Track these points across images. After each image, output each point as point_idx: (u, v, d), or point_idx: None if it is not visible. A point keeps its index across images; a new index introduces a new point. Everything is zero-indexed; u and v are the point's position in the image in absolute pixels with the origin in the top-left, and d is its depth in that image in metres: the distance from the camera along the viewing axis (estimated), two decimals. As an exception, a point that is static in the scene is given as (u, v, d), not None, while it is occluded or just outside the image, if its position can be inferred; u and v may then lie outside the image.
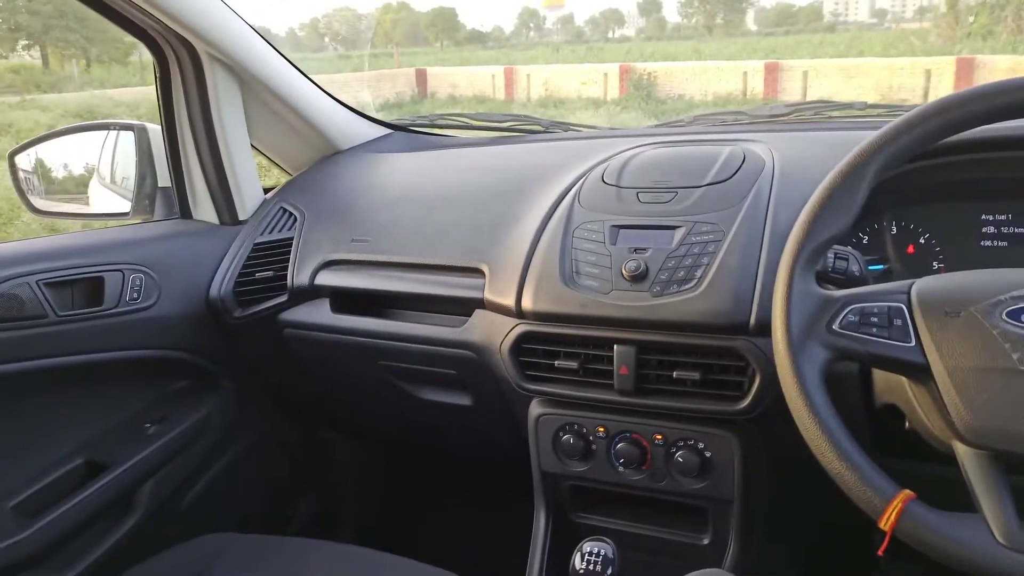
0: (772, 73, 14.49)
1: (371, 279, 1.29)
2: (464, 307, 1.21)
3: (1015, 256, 1.04)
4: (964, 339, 0.71)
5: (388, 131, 1.76)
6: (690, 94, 14.75)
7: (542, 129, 1.67)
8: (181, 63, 1.37)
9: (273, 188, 1.58)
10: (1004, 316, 0.71)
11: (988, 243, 1.05)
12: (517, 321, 1.11)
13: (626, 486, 1.14)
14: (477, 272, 1.20)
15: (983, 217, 1.05)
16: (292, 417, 1.68)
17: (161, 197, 1.47)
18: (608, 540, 1.01)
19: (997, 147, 1.00)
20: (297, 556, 1.12)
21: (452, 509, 1.92)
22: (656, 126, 1.63)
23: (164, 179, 1.46)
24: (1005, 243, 1.04)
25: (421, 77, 17.85)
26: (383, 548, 1.14)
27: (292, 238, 1.40)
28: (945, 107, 0.77)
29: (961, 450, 0.72)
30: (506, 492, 1.48)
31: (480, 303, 1.18)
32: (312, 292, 1.34)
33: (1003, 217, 1.04)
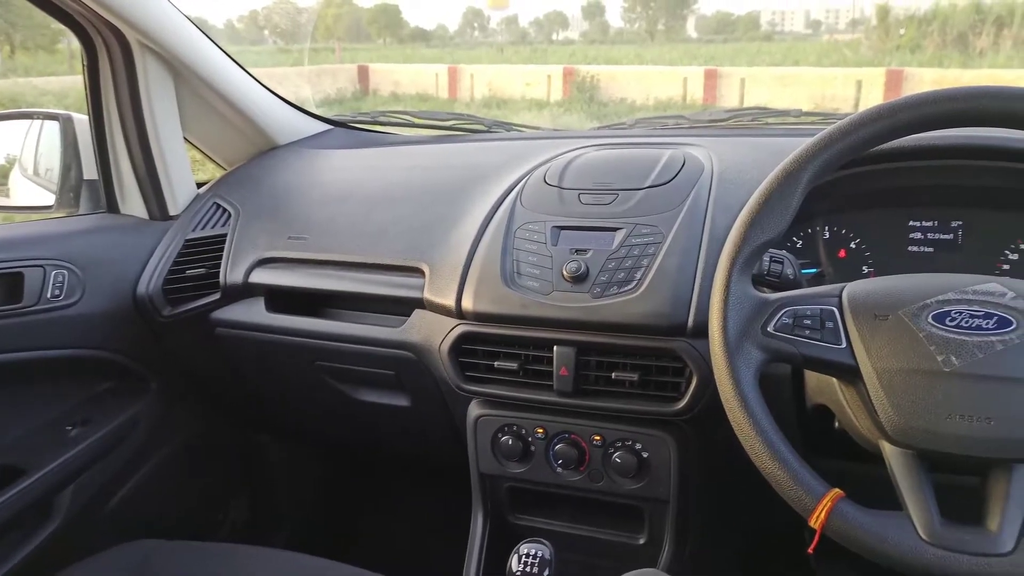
0: (711, 79, 14.78)
1: (308, 278, 1.26)
2: (403, 307, 1.20)
3: (940, 261, 1.07)
4: (892, 342, 0.73)
5: (328, 127, 1.73)
6: (632, 98, 14.94)
7: (485, 129, 1.67)
8: (110, 52, 1.32)
9: (207, 182, 1.53)
10: (930, 319, 0.73)
11: (915, 248, 1.09)
12: (457, 321, 1.10)
13: (564, 487, 1.14)
14: (417, 272, 1.18)
15: (910, 223, 1.09)
16: (224, 419, 1.63)
17: (87, 190, 1.41)
18: (545, 542, 1.01)
19: (923, 156, 1.03)
20: (226, 563, 1.08)
21: (391, 511, 1.90)
22: (598, 128, 1.64)
23: (91, 171, 1.41)
24: (931, 248, 1.08)
25: (363, 74, 17.64)
26: (319, 552, 1.12)
27: (226, 234, 1.36)
28: (876, 116, 0.79)
29: (888, 449, 0.74)
30: (446, 494, 1.47)
31: (420, 303, 1.17)
32: (246, 290, 1.30)
33: (929, 223, 1.08)
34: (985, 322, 0.72)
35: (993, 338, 0.71)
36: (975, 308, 0.72)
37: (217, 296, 1.32)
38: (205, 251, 1.35)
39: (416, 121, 1.69)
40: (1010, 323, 0.71)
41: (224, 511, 1.69)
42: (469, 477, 1.21)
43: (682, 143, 1.28)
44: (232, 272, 1.31)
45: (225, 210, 1.40)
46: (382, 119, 1.73)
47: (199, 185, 1.51)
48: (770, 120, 1.45)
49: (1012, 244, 1.05)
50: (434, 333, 1.13)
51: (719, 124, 1.48)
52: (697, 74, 15.22)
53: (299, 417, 1.55)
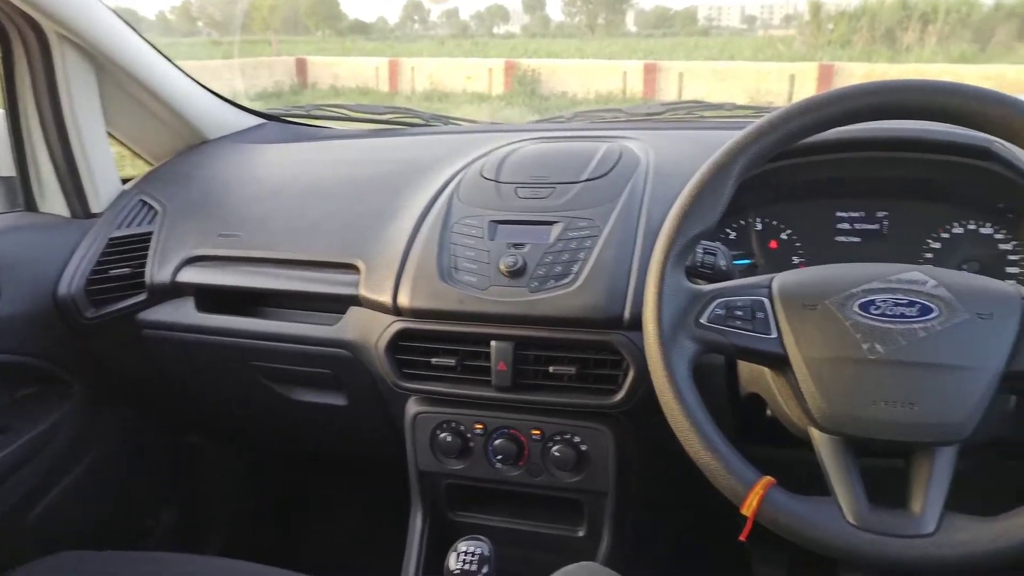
0: (651, 73, 14.95)
1: (240, 276, 1.23)
2: (338, 304, 1.17)
3: (867, 250, 1.10)
4: (820, 331, 0.75)
5: (261, 121, 1.69)
6: (573, 91, 15.01)
7: (422, 122, 1.65)
8: (27, 43, 1.26)
9: (133, 179, 1.48)
10: (856, 308, 0.75)
11: (842, 238, 1.11)
12: (393, 318, 1.09)
13: (503, 482, 1.14)
14: (352, 268, 1.16)
15: (838, 214, 1.11)
16: (153, 422, 1.58)
17: (3, 188, 1.35)
18: (484, 539, 1.00)
19: (849, 148, 1.06)
20: (156, 572, 1.05)
21: (329, 512, 1.87)
22: (536, 122, 1.64)
23: (7, 168, 1.34)
24: (858, 239, 1.11)
25: (301, 66, 17.31)
26: (255, 558, 1.09)
27: (151, 232, 1.31)
28: (804, 110, 0.80)
29: (816, 436, 0.76)
30: (384, 493, 1.45)
31: (355, 300, 1.15)
32: (174, 290, 1.26)
33: (856, 214, 1.11)
34: (908, 310, 0.74)
35: (916, 325, 0.73)
36: (899, 296, 0.74)
37: (143, 296, 1.27)
38: (130, 250, 1.30)
39: (352, 115, 1.66)
40: (931, 310, 0.73)
41: (155, 517, 1.63)
42: (407, 476, 1.20)
43: (619, 136, 1.29)
44: (159, 271, 1.27)
45: (151, 207, 1.36)
46: (317, 112, 1.69)
47: (124, 181, 1.46)
48: (705, 113, 1.47)
49: (934, 233, 1.08)
50: (370, 330, 1.11)
51: (656, 118, 1.49)
52: (637, 68, 15.37)
53: (233, 419, 1.51)
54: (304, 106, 1.73)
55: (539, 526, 1.19)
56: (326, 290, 1.17)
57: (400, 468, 1.21)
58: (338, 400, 1.27)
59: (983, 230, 1.07)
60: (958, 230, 1.07)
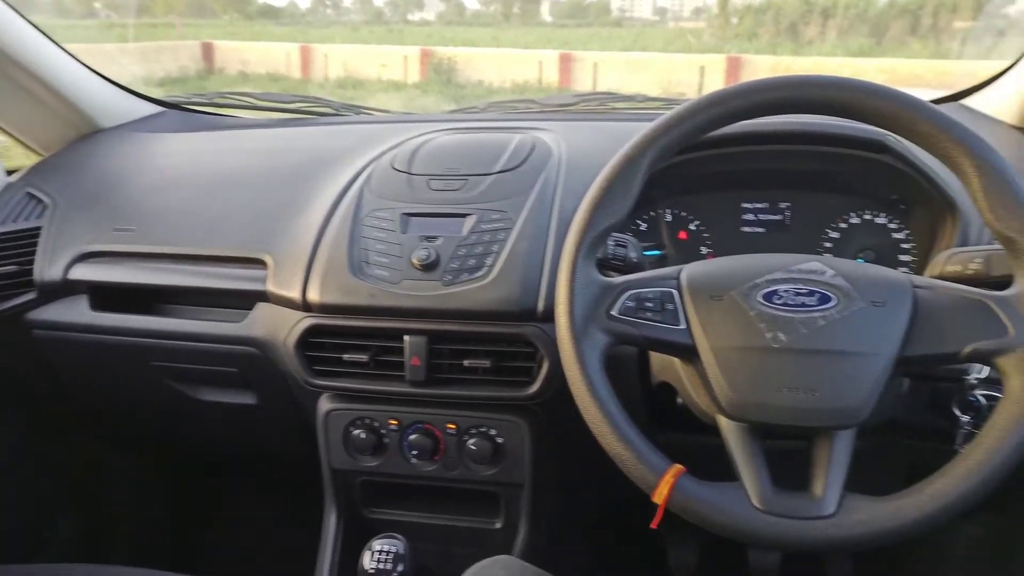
0: (566, 63, 15.06)
1: (138, 272, 1.17)
2: (245, 300, 1.14)
3: (771, 240, 1.14)
4: (726, 321, 0.77)
5: (160, 109, 1.61)
6: (489, 80, 14.97)
7: (333, 112, 1.61)
8: None
9: (18, 170, 1.39)
10: (760, 299, 0.77)
11: (748, 229, 1.15)
12: (303, 314, 1.06)
13: (419, 477, 1.13)
14: (259, 263, 1.12)
15: (743, 205, 1.14)
16: (48, 427, 1.50)
17: None
18: (399, 536, 0.99)
19: (753, 141, 1.09)
20: None
21: (240, 515, 1.81)
22: (450, 112, 1.62)
23: None
24: (763, 229, 1.14)
25: (207, 51, 16.64)
26: (165, 565, 1.04)
27: (40, 227, 1.23)
28: (710, 103, 0.81)
29: (724, 423, 0.77)
30: (298, 493, 1.42)
31: (263, 296, 1.11)
32: (66, 288, 1.19)
33: (760, 205, 1.14)
34: (808, 299, 0.76)
35: (816, 314, 0.75)
36: (799, 286, 0.77)
37: (32, 295, 1.20)
38: (16, 246, 1.22)
39: (259, 103, 1.60)
40: (830, 299, 0.76)
41: (52, 528, 1.55)
42: (320, 474, 1.17)
43: (532, 128, 1.29)
44: (49, 269, 1.19)
45: (40, 200, 1.28)
46: (220, 100, 1.63)
47: (10, 173, 1.37)
48: (617, 105, 1.49)
49: (833, 223, 1.12)
50: (279, 327, 1.08)
51: (569, 108, 1.50)
52: (552, 58, 15.45)
53: (136, 422, 1.44)
54: (207, 94, 1.66)
55: (456, 520, 1.18)
56: (232, 286, 1.13)
57: (313, 467, 1.18)
58: (247, 399, 1.23)
59: (878, 220, 1.12)
60: (855, 220, 1.12)
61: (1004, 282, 0.76)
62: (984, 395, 0.87)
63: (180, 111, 1.63)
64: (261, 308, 1.12)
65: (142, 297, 1.20)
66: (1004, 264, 0.80)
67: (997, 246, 0.81)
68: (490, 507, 1.16)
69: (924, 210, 1.08)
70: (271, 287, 1.09)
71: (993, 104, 1.26)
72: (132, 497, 1.70)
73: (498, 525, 1.16)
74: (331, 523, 1.19)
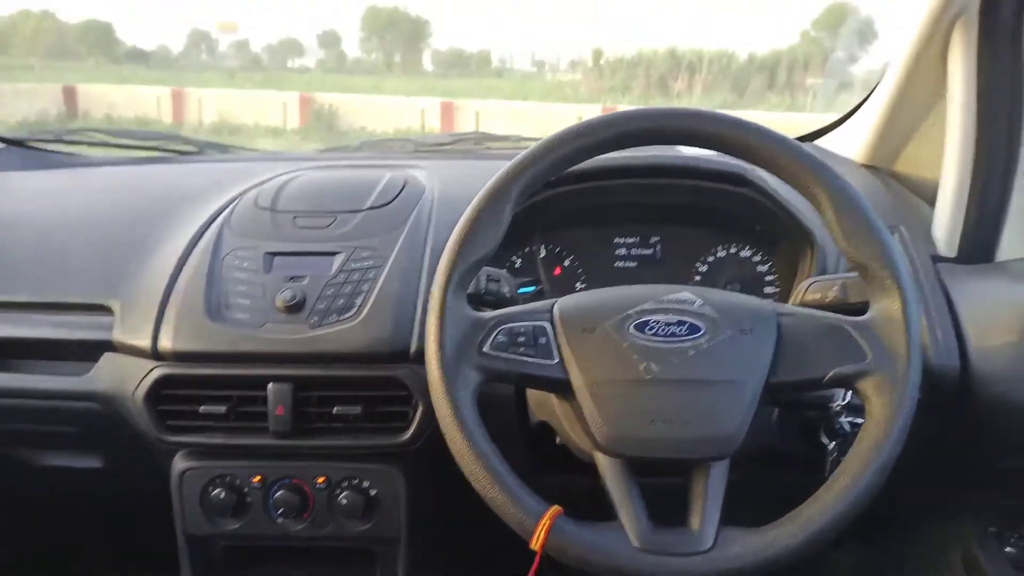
0: (448, 111, 15.24)
1: None
2: (88, 352, 1.03)
3: (643, 274, 1.15)
4: (599, 353, 0.75)
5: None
6: (372, 126, 14.91)
7: (196, 150, 1.52)
8: None
9: None
10: (632, 330, 0.76)
11: (621, 264, 1.15)
12: (154, 364, 0.97)
13: (287, 538, 1.04)
14: (104, 309, 1.03)
15: (616, 240, 1.15)
16: None
17: None
18: None
19: (621, 175, 1.10)
20: None
21: None
22: (322, 151, 1.57)
23: None
24: (635, 263, 1.15)
25: (70, 94, 15.80)
26: None
27: None
28: (577, 134, 0.81)
29: (600, 460, 0.76)
30: (153, 565, 1.29)
31: (108, 345, 1.01)
32: None
33: (632, 240, 1.15)
34: (678, 329, 0.76)
35: (686, 344, 0.75)
36: (670, 316, 0.77)
37: None
38: None
39: (112, 140, 1.50)
40: (699, 329, 0.76)
41: None
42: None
43: (405, 165, 1.26)
44: None
45: None
46: (68, 137, 1.51)
47: None
48: (492, 144, 1.48)
49: (702, 257, 1.15)
50: (126, 379, 0.99)
51: (444, 148, 1.48)
52: (435, 106, 15.61)
53: None
54: (55, 130, 1.54)
55: None
56: (72, 336, 1.03)
57: (171, 536, 1.08)
58: (91, 462, 1.11)
59: (743, 253, 1.15)
60: (722, 254, 1.15)
61: (862, 308, 0.78)
62: (849, 422, 0.89)
63: (22, 148, 1.50)
64: (107, 359, 1.03)
65: None
66: (860, 290, 0.83)
67: (853, 273, 0.85)
68: (365, 566, 1.09)
69: (786, 242, 1.12)
70: (117, 335, 1.00)
71: (842, 144, 1.34)
72: None
73: None
74: None
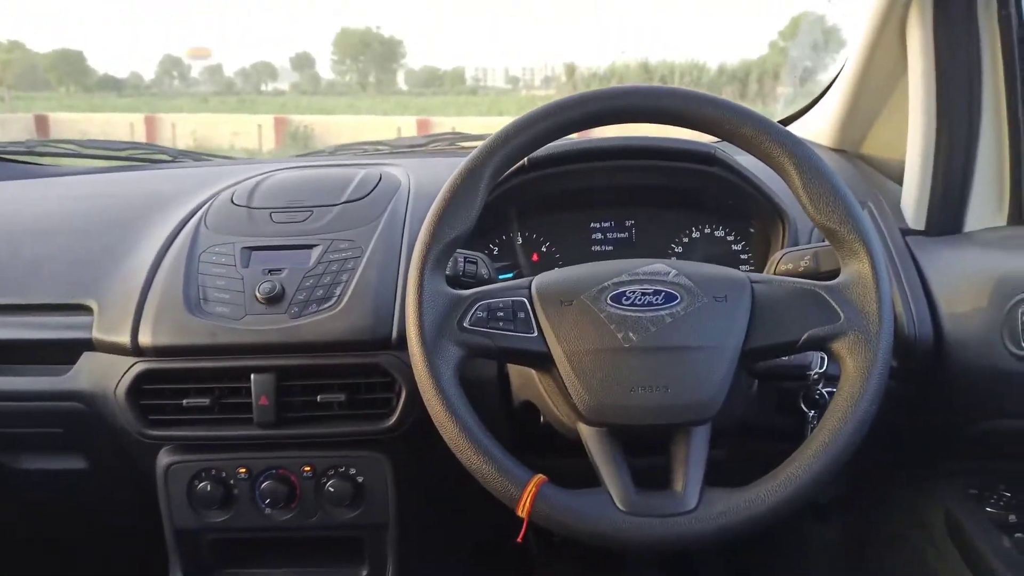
0: (424, 128, 15.29)
1: None
2: (68, 351, 1.03)
3: (619, 258, 1.16)
4: (578, 324, 0.76)
5: None
6: (348, 145, 14.92)
7: (169, 159, 1.51)
8: None
9: None
10: (609, 300, 0.77)
11: (598, 248, 1.17)
12: (134, 359, 0.97)
13: (275, 529, 1.04)
14: (83, 309, 1.03)
15: (592, 225, 1.17)
16: None
17: None
18: None
19: (593, 157, 1.11)
20: None
21: None
22: (296, 156, 1.58)
23: None
24: (611, 247, 1.17)
25: (42, 123, 15.63)
26: None
27: None
28: (547, 113, 0.82)
29: (584, 430, 0.76)
30: (141, 562, 1.27)
31: (88, 344, 1.01)
32: None
33: (607, 224, 1.17)
34: (655, 298, 0.77)
35: (663, 312, 0.76)
36: (645, 287, 0.78)
37: None
38: None
39: (84, 151, 1.49)
40: (675, 297, 0.77)
41: None
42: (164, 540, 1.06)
43: (380, 164, 1.27)
44: None
45: None
46: (40, 149, 1.50)
47: None
48: (466, 144, 1.50)
49: (676, 239, 1.16)
50: (107, 376, 0.99)
51: (418, 149, 1.49)
52: (410, 123, 15.65)
53: None
54: (26, 142, 1.53)
55: (317, 572, 1.10)
56: (50, 336, 1.03)
57: (157, 534, 1.07)
58: (76, 463, 1.10)
59: (717, 233, 1.17)
60: (696, 234, 1.17)
61: (834, 275, 0.80)
62: (828, 392, 0.91)
63: None
64: (87, 358, 1.02)
65: None
66: (831, 258, 0.85)
67: (824, 243, 0.86)
68: (354, 554, 1.09)
69: (758, 220, 1.14)
70: (97, 333, 1.00)
71: (811, 129, 1.36)
72: None
73: (364, 573, 1.09)
74: None
